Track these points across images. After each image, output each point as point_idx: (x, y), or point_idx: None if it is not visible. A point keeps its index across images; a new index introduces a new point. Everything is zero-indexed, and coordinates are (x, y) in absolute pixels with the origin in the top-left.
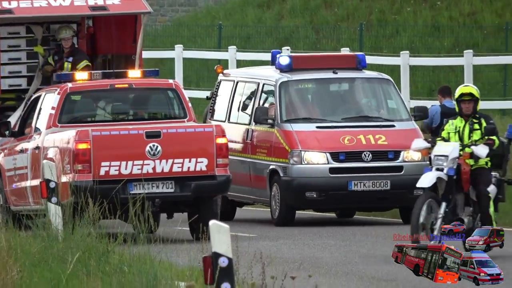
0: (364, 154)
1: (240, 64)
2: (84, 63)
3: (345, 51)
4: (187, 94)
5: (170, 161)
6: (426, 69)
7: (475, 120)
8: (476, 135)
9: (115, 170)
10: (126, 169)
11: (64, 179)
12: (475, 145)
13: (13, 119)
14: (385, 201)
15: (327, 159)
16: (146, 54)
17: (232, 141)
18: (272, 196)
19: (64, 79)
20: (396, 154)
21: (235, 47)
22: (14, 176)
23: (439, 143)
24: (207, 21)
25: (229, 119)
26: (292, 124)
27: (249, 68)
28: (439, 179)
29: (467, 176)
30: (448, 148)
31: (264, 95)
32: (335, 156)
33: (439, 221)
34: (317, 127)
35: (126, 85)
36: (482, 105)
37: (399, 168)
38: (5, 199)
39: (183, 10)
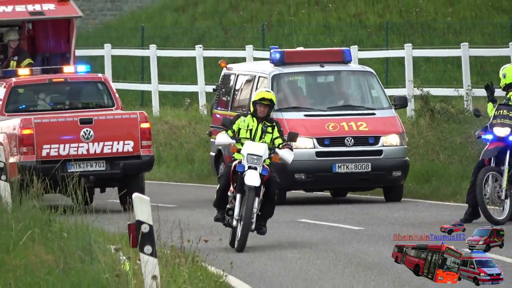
0: (347, 139)
1: (161, 60)
2: (27, 61)
3: (249, 48)
4: (115, 86)
5: (101, 143)
6: None
7: (268, 124)
8: (268, 138)
9: (55, 151)
10: (64, 150)
11: (12, 160)
12: (279, 148)
13: None
14: (367, 182)
15: (314, 144)
16: (80, 52)
17: None
18: None
19: (9, 74)
20: (376, 139)
21: (155, 45)
22: None
23: (248, 142)
24: (132, 23)
25: (231, 109)
26: (282, 112)
27: (248, 63)
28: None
29: (268, 175)
30: (260, 149)
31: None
32: (321, 141)
33: (255, 215)
34: (305, 115)
35: (62, 79)
36: None
37: (378, 152)
38: None
39: (111, 14)
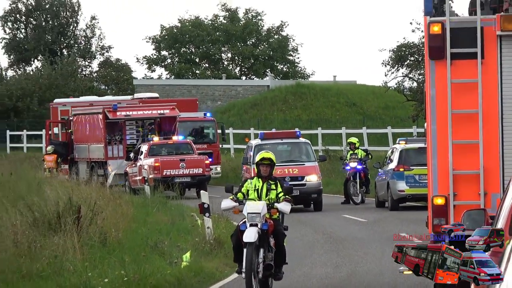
0: (286, 178)
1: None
2: (156, 134)
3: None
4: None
5: (188, 169)
6: None
7: (272, 182)
8: (273, 194)
9: (169, 173)
10: (172, 172)
11: (150, 176)
12: (278, 203)
13: (131, 154)
14: (298, 201)
15: None
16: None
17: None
18: None
19: (149, 140)
20: (302, 178)
21: (232, 128)
22: (132, 175)
23: (248, 203)
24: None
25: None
26: (256, 164)
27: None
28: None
29: (272, 228)
30: (259, 207)
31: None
32: None
33: (261, 265)
34: None
35: (172, 142)
36: None
37: (303, 184)
38: (129, 183)
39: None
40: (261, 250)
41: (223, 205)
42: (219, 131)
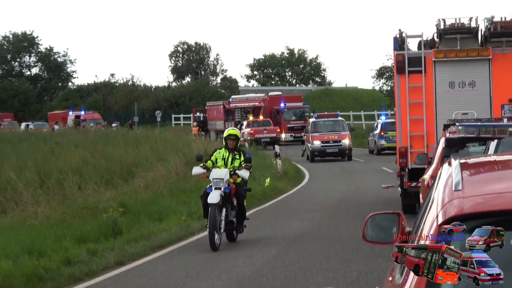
0: (330, 142)
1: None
2: (251, 116)
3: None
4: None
5: (268, 134)
6: None
7: (236, 152)
8: (237, 162)
9: (258, 136)
10: (260, 135)
11: (248, 138)
12: (239, 169)
13: (238, 127)
14: (337, 154)
15: (320, 143)
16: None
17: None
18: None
19: (248, 119)
20: (339, 141)
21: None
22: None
23: (214, 170)
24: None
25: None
26: (312, 133)
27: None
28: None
29: (234, 191)
30: (222, 173)
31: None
32: (322, 142)
33: (223, 222)
34: (319, 134)
35: (260, 120)
36: None
37: (340, 145)
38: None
39: None
40: (223, 210)
41: (194, 171)
42: (312, 113)
